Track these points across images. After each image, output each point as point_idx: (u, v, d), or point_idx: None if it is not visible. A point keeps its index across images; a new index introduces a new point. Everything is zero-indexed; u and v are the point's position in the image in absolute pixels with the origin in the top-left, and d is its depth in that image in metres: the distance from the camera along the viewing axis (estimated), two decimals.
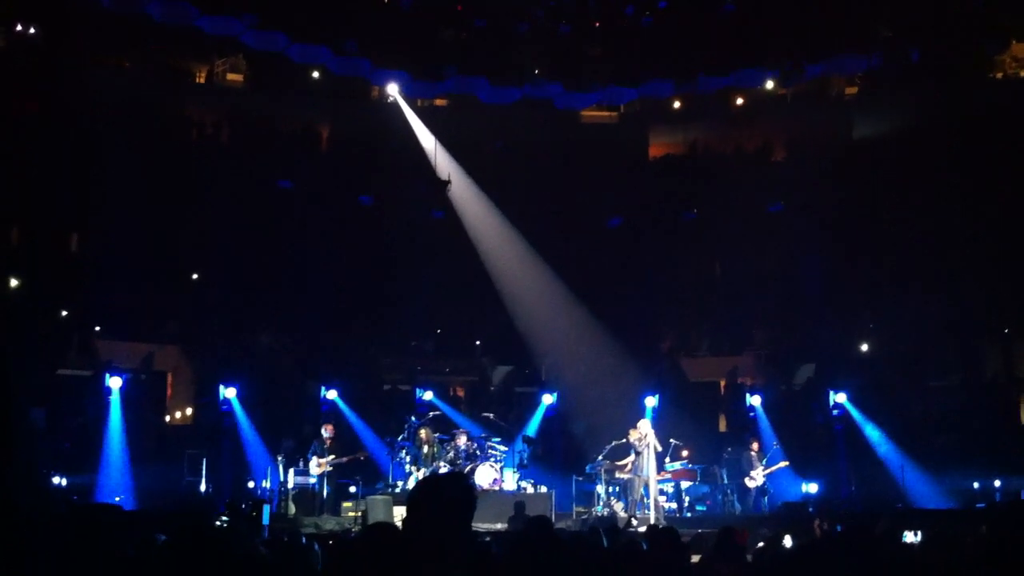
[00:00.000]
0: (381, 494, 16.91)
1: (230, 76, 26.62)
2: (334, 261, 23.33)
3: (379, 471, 18.65)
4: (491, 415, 19.55)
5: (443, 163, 24.19)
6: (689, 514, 17.45)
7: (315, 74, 25.94)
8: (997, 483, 18.18)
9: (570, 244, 24.43)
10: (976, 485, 18.54)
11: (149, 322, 22.39)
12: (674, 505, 17.52)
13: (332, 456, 17.29)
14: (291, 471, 17.27)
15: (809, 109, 26.67)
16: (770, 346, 24.53)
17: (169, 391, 22.13)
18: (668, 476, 17.55)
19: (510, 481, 17.40)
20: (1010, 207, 22.44)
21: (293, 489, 17.14)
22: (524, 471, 17.85)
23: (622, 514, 16.30)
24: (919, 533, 9.73)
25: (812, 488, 18.76)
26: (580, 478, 18.07)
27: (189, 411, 21.90)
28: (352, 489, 17.66)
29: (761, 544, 9.89)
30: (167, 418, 21.67)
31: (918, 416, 21.41)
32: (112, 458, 17.85)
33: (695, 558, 8.00)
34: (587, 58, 26.77)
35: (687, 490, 17.93)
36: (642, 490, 16.26)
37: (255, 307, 23.19)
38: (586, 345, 22.88)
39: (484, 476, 17.03)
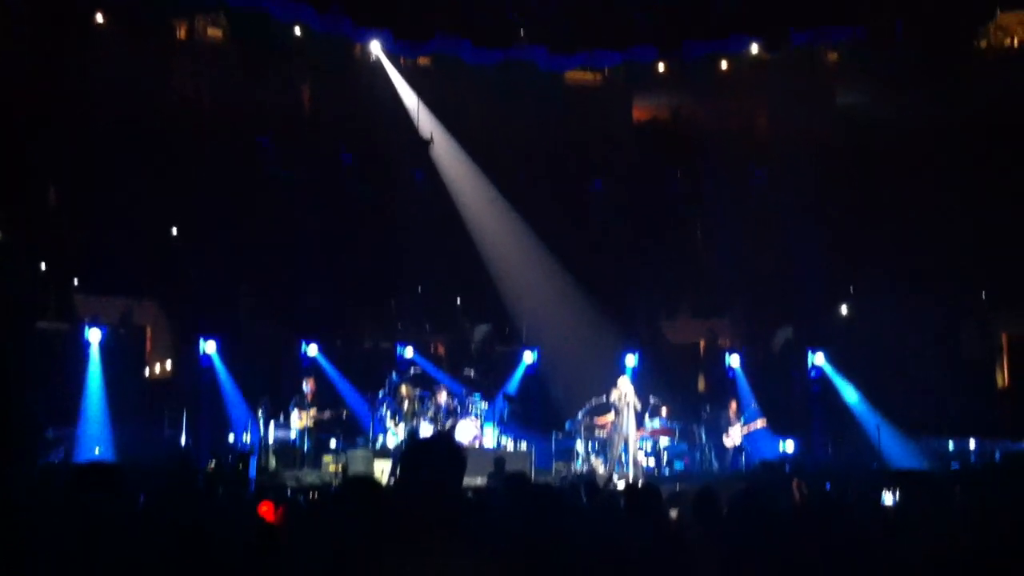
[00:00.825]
0: (361, 449, 17.02)
1: (211, 32, 26.27)
2: (314, 219, 23.21)
3: (359, 426, 18.73)
4: (471, 372, 19.64)
5: (425, 123, 24.07)
6: (668, 471, 17.63)
7: (297, 31, 25.65)
8: (972, 445, 18.44)
9: (552, 206, 24.39)
10: (951, 447, 18.80)
11: (127, 277, 22.23)
12: (653, 463, 17.70)
13: (314, 410, 17.35)
14: (271, 425, 17.33)
15: (794, 76, 26.62)
16: (750, 309, 24.67)
17: (148, 345, 22.03)
18: (647, 434, 17.70)
19: (490, 438, 17.51)
20: (992, 173, 22.55)
21: (274, 443, 17.20)
22: (504, 428, 17.99)
23: (602, 471, 16.46)
24: (897, 493, 9.86)
25: (789, 447, 18.99)
26: (560, 435, 18.22)
27: (169, 366, 21.84)
28: (332, 443, 17.74)
29: (737, 503, 10.02)
30: (147, 372, 21.59)
31: (894, 377, 21.62)
32: (91, 412, 17.80)
33: (673, 514, 8.09)
34: (572, 21, 26.57)
35: (666, 448, 18.11)
36: (621, 447, 16.40)
37: (234, 263, 23.08)
38: (566, 305, 22.93)
39: (464, 432, 17.13)
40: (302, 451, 17.24)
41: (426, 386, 18.20)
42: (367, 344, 22.78)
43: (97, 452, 16.34)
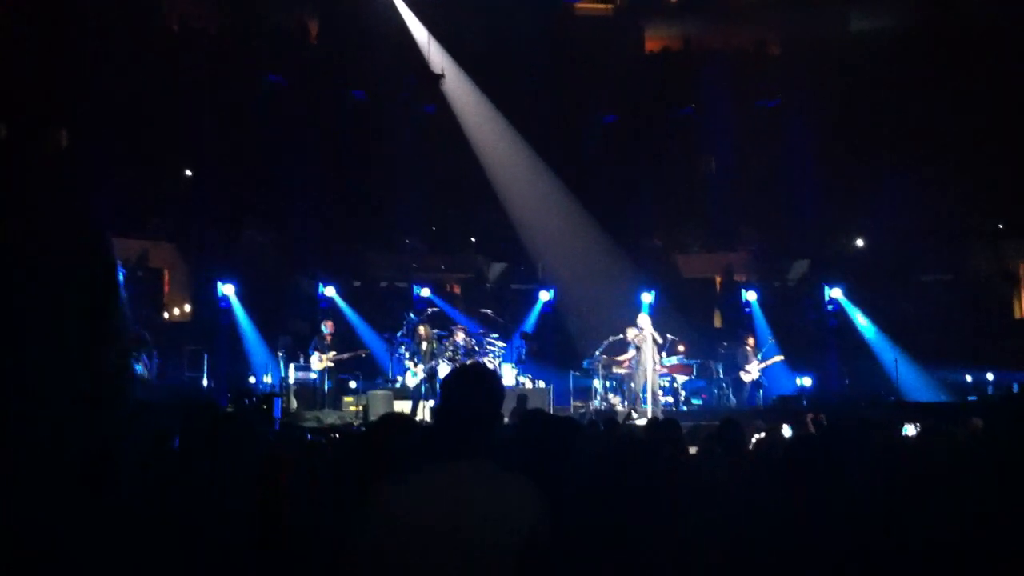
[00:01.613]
0: (381, 389, 17.14)
1: None
2: (327, 157, 23.12)
3: (378, 367, 18.84)
4: (488, 311, 19.64)
5: (436, 57, 23.81)
6: (685, 408, 17.71)
7: None
8: (990, 376, 18.45)
9: (564, 139, 24.21)
10: (969, 378, 18.81)
11: (142, 219, 22.26)
12: (670, 399, 17.76)
13: (333, 352, 17.46)
14: (292, 366, 17.46)
15: (806, 3, 26.22)
16: (765, 242, 24.57)
17: (166, 287, 22.12)
18: (665, 371, 17.74)
19: (509, 376, 17.58)
20: (1006, 103, 22.26)
21: (294, 384, 17.35)
22: (522, 366, 18.06)
23: (620, 408, 16.54)
24: (918, 425, 9.91)
25: (806, 382, 19.03)
26: (577, 373, 18.27)
27: (187, 308, 21.95)
28: (352, 384, 17.88)
29: (759, 435, 10.07)
30: (165, 315, 21.70)
31: (911, 310, 21.58)
32: None
33: (692, 450, 8.14)
34: None
35: (683, 385, 18.16)
36: (642, 384, 16.45)
37: (248, 204, 23.06)
38: (581, 241, 22.87)
39: None
40: (323, 392, 17.38)
41: (443, 326, 18.25)
42: (383, 284, 22.79)
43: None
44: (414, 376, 16.91)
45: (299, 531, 4.53)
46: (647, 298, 19.30)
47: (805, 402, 16.41)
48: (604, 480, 5.00)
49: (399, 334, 17.73)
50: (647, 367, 16.21)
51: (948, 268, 23.03)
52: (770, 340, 18.94)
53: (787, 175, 23.71)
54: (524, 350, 18.19)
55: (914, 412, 13.69)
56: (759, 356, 18.34)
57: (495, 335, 18.30)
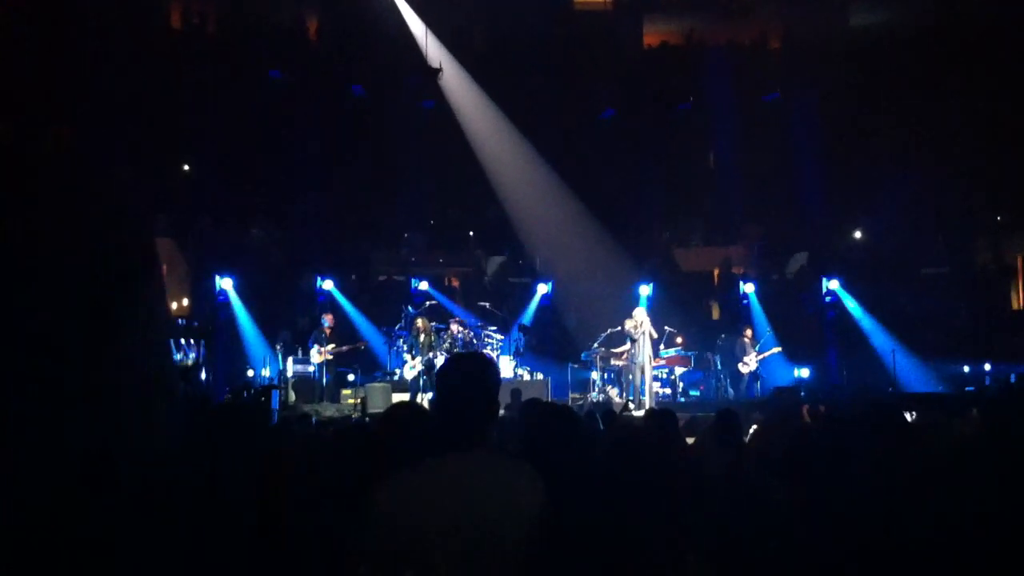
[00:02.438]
0: (379, 382, 17.18)
1: None
2: (326, 152, 23.13)
3: (376, 360, 18.88)
4: (486, 304, 19.68)
5: (434, 52, 23.80)
6: (683, 399, 17.75)
7: None
8: (987, 367, 18.48)
9: (563, 134, 24.22)
10: (966, 370, 18.85)
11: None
12: (668, 391, 17.82)
13: (332, 345, 17.50)
14: (290, 360, 17.50)
15: None
16: (763, 235, 24.60)
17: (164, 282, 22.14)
18: (663, 363, 17.79)
19: (507, 369, 17.62)
20: (1006, 97, 22.28)
21: (292, 377, 17.39)
22: (520, 359, 18.10)
23: (617, 400, 16.57)
24: (914, 414, 9.93)
25: (804, 373, 19.07)
26: (576, 365, 18.31)
27: (186, 302, 21.97)
28: (351, 377, 17.91)
29: (755, 428, 10.10)
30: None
31: (910, 302, 21.61)
32: None
33: (689, 440, 8.17)
34: None
35: (681, 376, 18.21)
36: (640, 378, 16.49)
37: (247, 199, 23.08)
38: (579, 235, 22.89)
39: None
40: (321, 385, 17.42)
41: (442, 319, 18.28)
42: (381, 277, 22.82)
43: None
44: (412, 369, 16.95)
45: (300, 527, 4.53)
46: (645, 291, 19.33)
47: (803, 393, 16.42)
48: (603, 468, 5.02)
49: (397, 327, 17.78)
50: (643, 359, 16.26)
51: (946, 261, 23.06)
52: (768, 332, 18.99)
53: (786, 169, 23.74)
54: (522, 343, 18.23)
55: (912, 403, 13.70)
56: (757, 348, 18.39)
57: (493, 328, 18.33)
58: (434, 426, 4.42)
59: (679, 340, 18.31)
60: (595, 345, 17.62)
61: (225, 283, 18.89)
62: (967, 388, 17.07)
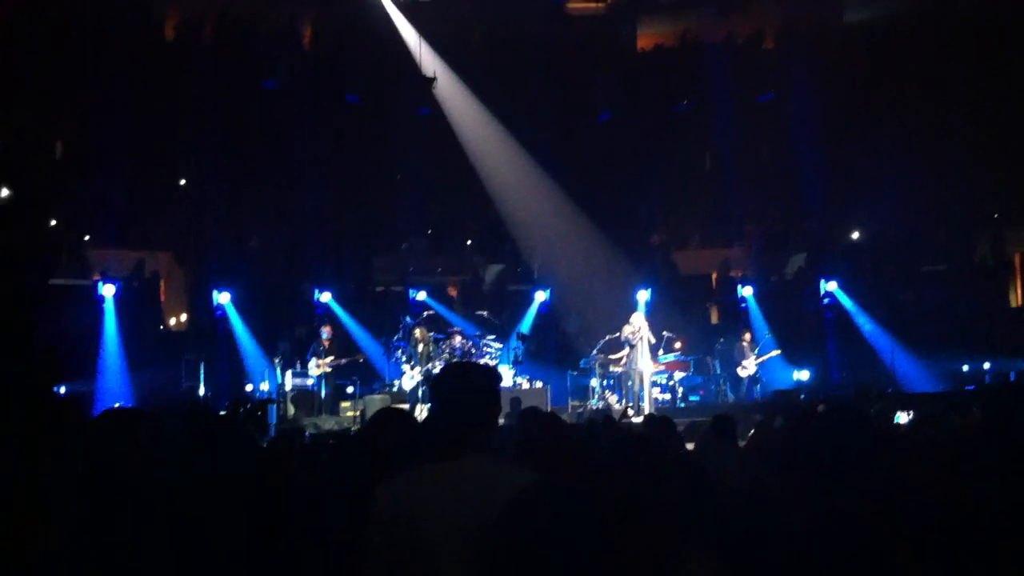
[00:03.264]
0: (379, 393, 17.15)
1: None
2: (322, 162, 23.12)
3: (375, 371, 18.83)
4: (485, 313, 19.63)
5: (427, 60, 23.80)
6: (683, 404, 17.72)
7: None
8: (987, 365, 18.45)
9: (559, 139, 24.19)
10: (966, 368, 18.81)
11: (138, 229, 22.25)
12: (668, 396, 17.78)
13: (331, 357, 17.46)
14: (288, 373, 17.45)
15: None
16: (761, 237, 24.56)
17: (163, 297, 22.11)
18: (662, 368, 17.76)
19: (506, 377, 17.56)
20: (1003, 93, 22.27)
21: (291, 390, 17.34)
22: (519, 367, 18.05)
23: (617, 406, 16.55)
24: (911, 413, 9.91)
25: (804, 375, 19.03)
26: (575, 372, 18.30)
27: (184, 317, 21.94)
28: (350, 389, 17.89)
29: (754, 431, 10.07)
30: (161, 325, 21.71)
31: (908, 301, 21.59)
32: (109, 365, 17.92)
33: (689, 445, 8.15)
34: None
35: (680, 381, 18.18)
36: (639, 384, 16.46)
37: (244, 211, 23.06)
38: (577, 241, 22.86)
39: None
40: (320, 397, 17.37)
41: (440, 329, 18.24)
42: (379, 288, 22.79)
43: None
44: (411, 379, 16.93)
45: (299, 536, 4.50)
46: (643, 296, 19.29)
47: (803, 395, 16.40)
48: (603, 473, 4.99)
49: (395, 338, 17.73)
50: (641, 365, 16.24)
51: (945, 258, 23.02)
52: (767, 335, 18.95)
53: (784, 168, 23.72)
54: (521, 350, 18.18)
55: (912, 402, 13.69)
56: (756, 351, 18.36)
57: (492, 336, 18.29)
58: (428, 432, 4.40)
59: (678, 345, 18.29)
60: (594, 352, 17.59)
61: (223, 297, 18.86)
62: (967, 387, 17.01)
